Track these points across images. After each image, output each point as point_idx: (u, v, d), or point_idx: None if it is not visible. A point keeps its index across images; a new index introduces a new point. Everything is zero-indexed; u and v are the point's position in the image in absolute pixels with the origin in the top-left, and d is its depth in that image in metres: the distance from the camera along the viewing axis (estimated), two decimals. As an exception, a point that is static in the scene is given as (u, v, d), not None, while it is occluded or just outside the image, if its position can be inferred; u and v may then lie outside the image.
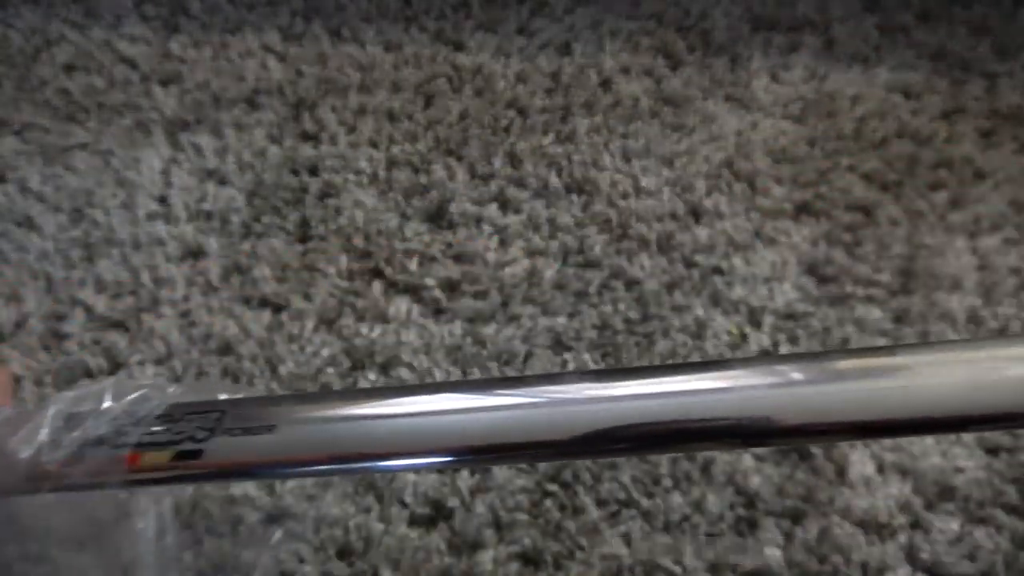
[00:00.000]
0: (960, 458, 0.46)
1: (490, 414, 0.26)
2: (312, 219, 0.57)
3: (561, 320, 0.52)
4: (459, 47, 0.70)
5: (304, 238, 0.56)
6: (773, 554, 0.43)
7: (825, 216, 0.58)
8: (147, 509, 0.28)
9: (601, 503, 0.45)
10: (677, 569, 0.42)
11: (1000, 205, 0.59)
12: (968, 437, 0.47)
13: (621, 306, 0.53)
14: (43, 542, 0.28)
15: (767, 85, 0.67)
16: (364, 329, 0.51)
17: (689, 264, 0.55)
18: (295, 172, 0.60)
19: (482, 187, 0.59)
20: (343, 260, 0.55)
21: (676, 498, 0.44)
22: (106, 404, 0.27)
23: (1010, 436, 0.47)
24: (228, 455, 0.26)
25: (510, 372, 0.50)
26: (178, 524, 0.29)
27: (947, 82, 0.68)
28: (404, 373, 0.50)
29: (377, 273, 0.55)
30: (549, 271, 0.54)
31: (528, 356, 0.51)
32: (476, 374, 0.50)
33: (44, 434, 0.26)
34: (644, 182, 0.60)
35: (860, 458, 0.46)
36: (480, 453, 0.25)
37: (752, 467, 0.46)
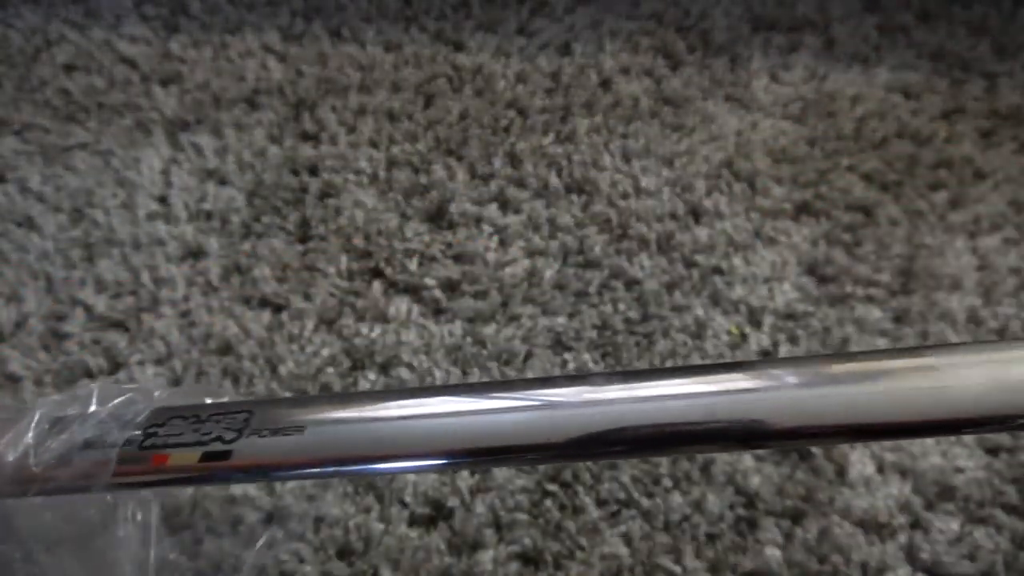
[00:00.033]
0: (960, 458, 0.46)
1: (511, 415, 0.26)
2: (312, 219, 0.57)
3: (561, 320, 0.52)
4: (459, 47, 0.70)
5: (304, 238, 0.56)
6: (773, 554, 0.43)
7: (825, 216, 0.58)
8: (133, 515, 0.28)
9: (601, 503, 0.45)
10: (677, 569, 0.42)
11: (1000, 205, 0.59)
12: (968, 437, 0.47)
13: (621, 306, 0.53)
14: (29, 544, 0.28)
15: (767, 85, 0.67)
16: (364, 329, 0.51)
17: (689, 264, 0.55)
18: (295, 172, 0.60)
19: (482, 187, 0.59)
20: (343, 260, 0.55)
21: (676, 498, 0.44)
22: (92, 408, 0.27)
23: (1010, 436, 0.47)
24: (257, 456, 0.26)
25: (510, 372, 0.50)
26: (165, 530, 0.29)
27: (947, 82, 0.68)
28: (404, 373, 0.50)
29: (377, 273, 0.55)
30: (549, 271, 0.54)
31: (528, 356, 0.51)
32: (476, 374, 0.50)
33: (30, 437, 0.26)
34: (644, 182, 0.60)
35: (860, 458, 0.46)
36: (504, 454, 0.26)
37: (752, 467, 0.46)
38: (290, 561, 0.42)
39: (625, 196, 0.59)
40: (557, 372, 0.51)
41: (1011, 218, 0.58)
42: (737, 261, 0.55)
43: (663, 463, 0.46)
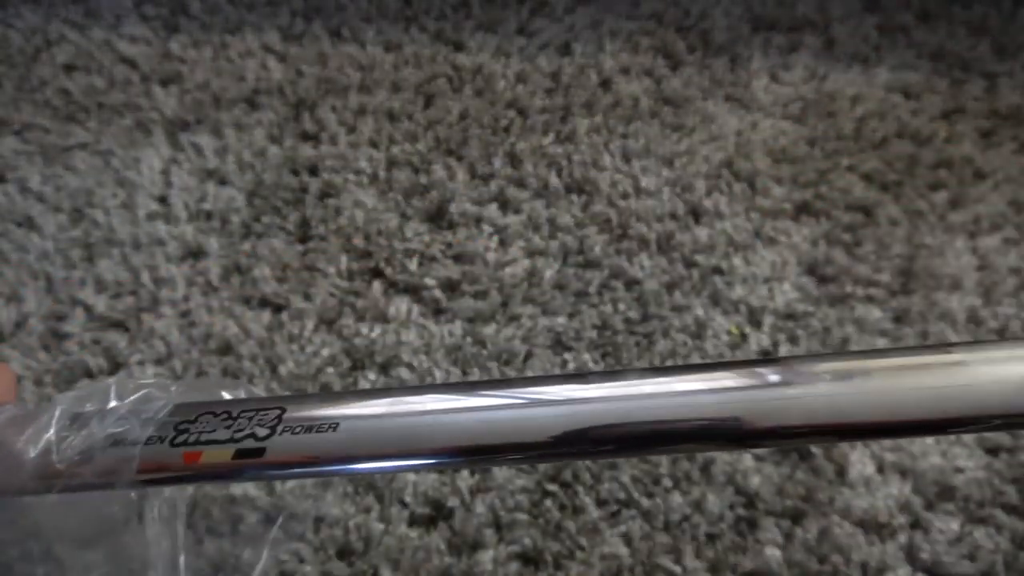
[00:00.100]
0: (960, 458, 0.46)
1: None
2: (312, 219, 0.57)
3: (561, 320, 0.52)
4: (459, 47, 0.70)
5: (304, 238, 0.56)
6: (773, 554, 0.43)
7: (825, 216, 0.58)
8: (160, 512, 0.28)
9: (601, 503, 0.45)
10: (677, 569, 0.42)
11: (1000, 205, 0.59)
12: (968, 437, 0.47)
13: (621, 306, 0.53)
14: (51, 541, 0.28)
15: (767, 85, 0.67)
16: (364, 329, 0.51)
17: (689, 264, 0.55)
18: (295, 172, 0.60)
19: (482, 187, 0.59)
20: (343, 260, 0.55)
21: (676, 498, 0.44)
22: (111, 403, 0.27)
23: (1010, 436, 0.47)
24: (292, 453, 0.26)
25: (510, 372, 0.50)
26: (188, 527, 0.29)
27: (947, 82, 0.68)
28: (404, 373, 0.50)
29: (377, 273, 0.55)
30: (549, 271, 0.54)
31: (528, 356, 0.51)
32: (476, 374, 0.50)
33: (51, 434, 0.26)
34: (644, 182, 0.60)
35: (860, 458, 0.46)
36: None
37: (752, 467, 0.46)
38: (290, 561, 0.42)
39: (625, 196, 0.59)
40: (557, 372, 0.51)
41: (1011, 218, 0.58)
42: (737, 261, 0.55)
43: (663, 463, 0.46)
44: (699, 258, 0.55)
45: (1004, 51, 0.70)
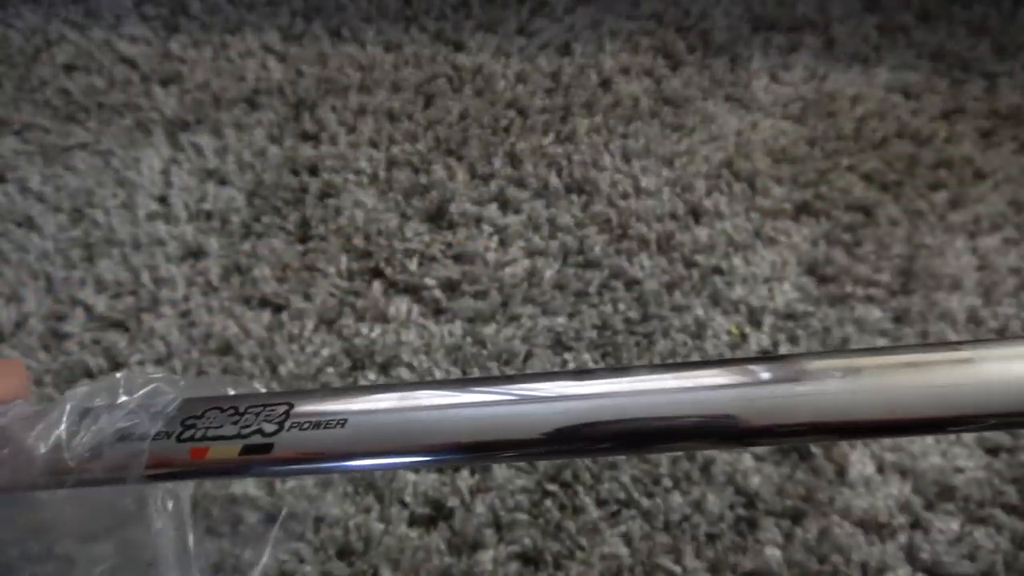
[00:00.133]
0: (960, 458, 0.46)
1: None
2: (312, 219, 0.57)
3: (561, 320, 0.52)
4: (459, 47, 0.70)
5: (304, 238, 0.56)
6: (773, 554, 0.43)
7: (825, 216, 0.58)
8: (163, 504, 0.28)
9: (601, 503, 0.45)
10: (677, 569, 0.42)
11: (1000, 205, 0.59)
12: (968, 437, 0.47)
13: (621, 306, 0.53)
14: (60, 536, 0.28)
15: (767, 85, 0.67)
16: (364, 329, 0.51)
17: (689, 264, 0.55)
18: (295, 172, 0.60)
19: (482, 187, 0.59)
20: (343, 260, 0.55)
21: (676, 498, 0.44)
22: (121, 398, 0.27)
23: (1010, 436, 0.47)
24: (299, 449, 0.26)
25: (510, 372, 0.50)
26: (193, 520, 0.29)
27: (947, 82, 0.68)
28: (404, 373, 0.50)
29: (377, 273, 0.55)
30: (549, 271, 0.54)
31: (528, 356, 0.51)
32: (476, 374, 0.50)
33: (62, 430, 0.26)
34: (644, 182, 0.60)
35: (860, 458, 0.46)
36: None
37: (752, 467, 0.46)
38: (290, 561, 0.42)
39: (625, 196, 0.59)
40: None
41: (1011, 218, 0.58)
42: (737, 261, 0.55)
43: (663, 463, 0.46)
44: (699, 258, 0.55)
45: (1004, 51, 0.70)
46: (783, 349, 0.51)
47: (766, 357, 0.26)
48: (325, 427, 0.26)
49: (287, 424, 0.26)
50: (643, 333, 0.52)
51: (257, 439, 0.26)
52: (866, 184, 0.60)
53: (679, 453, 0.46)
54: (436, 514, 0.44)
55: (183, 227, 0.57)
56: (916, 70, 0.69)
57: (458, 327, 0.52)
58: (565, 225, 0.57)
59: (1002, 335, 0.52)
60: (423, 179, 0.60)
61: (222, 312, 0.52)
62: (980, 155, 0.62)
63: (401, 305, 0.53)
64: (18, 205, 0.58)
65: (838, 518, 0.44)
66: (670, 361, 0.51)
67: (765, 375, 0.25)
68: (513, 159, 0.61)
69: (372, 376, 0.49)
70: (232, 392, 0.29)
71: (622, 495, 0.45)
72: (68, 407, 0.26)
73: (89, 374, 0.50)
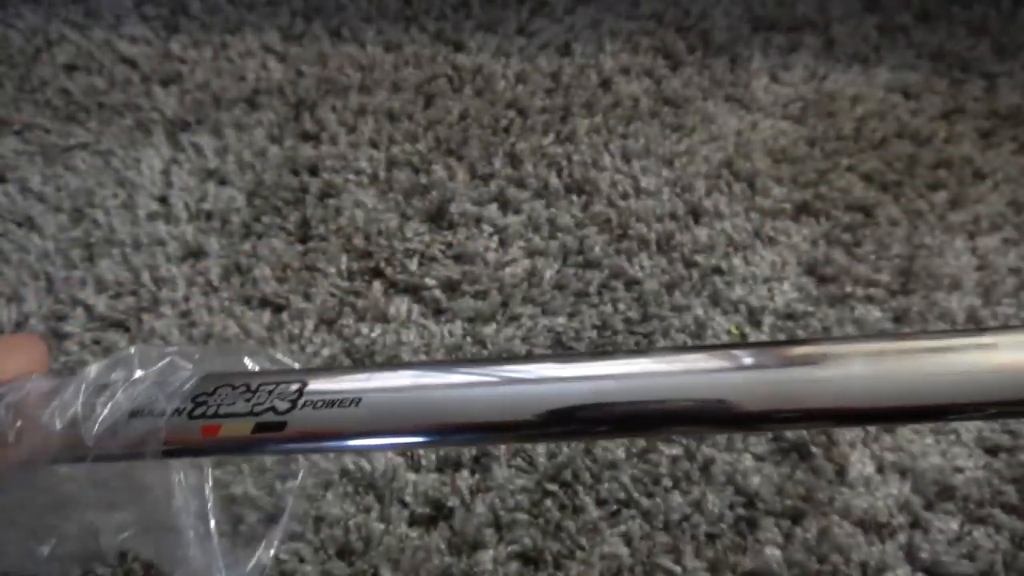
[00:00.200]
0: (959, 458, 0.46)
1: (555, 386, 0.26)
2: (312, 219, 0.57)
3: (561, 320, 0.52)
4: (459, 47, 0.70)
5: (304, 238, 0.57)
6: (773, 554, 0.43)
7: (825, 216, 0.58)
8: (184, 476, 0.28)
9: (601, 503, 0.45)
10: (677, 569, 0.42)
11: (999, 205, 0.59)
12: (968, 436, 0.47)
13: (621, 306, 0.53)
14: (83, 508, 0.28)
15: (767, 85, 0.67)
16: (364, 329, 0.51)
17: (689, 264, 0.55)
18: (295, 172, 0.60)
19: (482, 187, 0.59)
20: (343, 260, 0.55)
21: (676, 498, 0.44)
22: (136, 373, 0.27)
23: (1009, 436, 0.47)
24: (312, 427, 0.26)
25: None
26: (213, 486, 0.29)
27: (947, 82, 0.68)
28: (404, 373, 0.50)
29: (377, 273, 0.55)
30: (549, 271, 0.54)
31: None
32: (476, 374, 0.50)
33: (78, 406, 0.26)
34: (644, 182, 0.60)
35: (860, 458, 0.46)
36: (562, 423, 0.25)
37: (752, 467, 0.46)
38: (290, 561, 0.42)
39: (625, 196, 0.59)
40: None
41: (1011, 218, 0.58)
42: (737, 261, 0.55)
43: (663, 463, 0.46)
44: (699, 258, 0.55)
45: (1004, 51, 0.70)
46: (783, 349, 0.51)
47: (766, 343, 0.26)
48: (339, 406, 0.25)
49: (300, 402, 0.26)
50: (643, 333, 0.52)
51: (270, 417, 0.26)
52: (866, 184, 0.60)
53: (679, 453, 0.46)
54: (436, 514, 0.44)
55: (183, 227, 0.57)
56: (916, 70, 0.69)
57: (458, 327, 0.52)
58: (565, 225, 0.57)
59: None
60: (423, 179, 0.60)
61: (222, 312, 0.52)
62: (980, 155, 0.62)
63: (401, 305, 0.53)
64: (18, 205, 0.58)
65: (838, 518, 0.44)
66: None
67: (763, 360, 0.25)
68: (513, 159, 0.61)
69: (372, 376, 0.49)
70: (248, 361, 0.29)
71: (622, 495, 0.45)
72: (84, 383, 0.26)
73: (89, 374, 0.50)
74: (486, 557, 0.43)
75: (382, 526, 0.43)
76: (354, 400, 0.26)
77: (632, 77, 0.68)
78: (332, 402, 0.26)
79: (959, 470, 0.46)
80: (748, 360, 0.25)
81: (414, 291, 0.54)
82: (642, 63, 0.69)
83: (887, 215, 0.58)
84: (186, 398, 0.26)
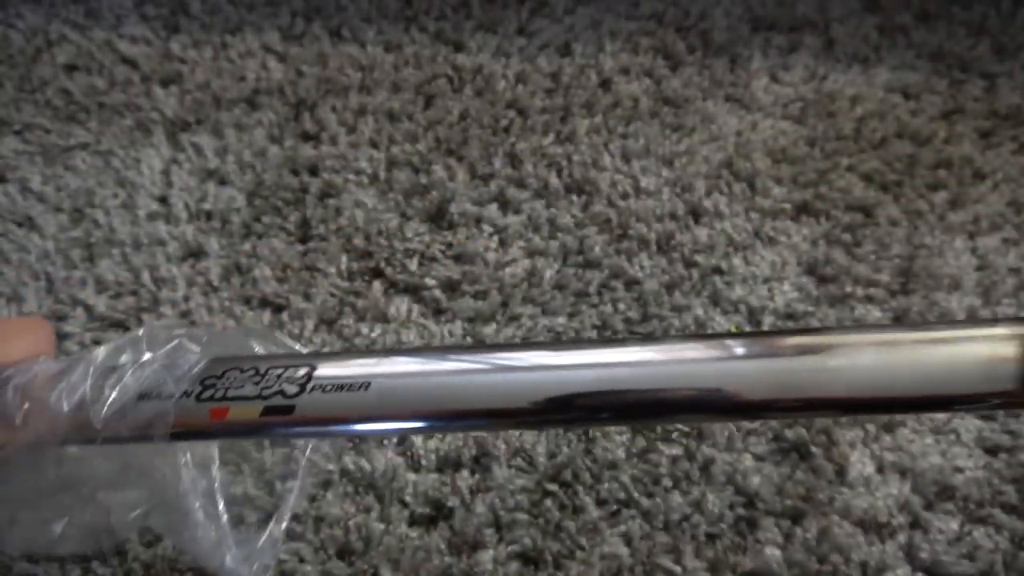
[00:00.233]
0: (959, 458, 0.46)
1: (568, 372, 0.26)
2: (312, 219, 0.57)
3: (561, 320, 0.52)
4: (459, 47, 0.70)
5: (304, 238, 0.57)
6: (773, 554, 0.43)
7: (825, 216, 0.58)
8: (193, 451, 0.28)
9: (601, 503, 0.45)
10: (677, 569, 0.42)
11: (999, 205, 0.59)
12: (968, 436, 0.47)
13: (621, 306, 0.53)
14: (93, 488, 0.28)
15: (767, 85, 0.67)
16: (364, 329, 0.51)
17: (689, 264, 0.55)
18: (295, 172, 0.60)
19: (482, 187, 0.59)
20: (343, 260, 0.55)
21: (676, 498, 0.44)
22: (145, 355, 0.27)
23: (1009, 436, 0.47)
24: (321, 411, 0.26)
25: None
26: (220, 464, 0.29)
27: (946, 82, 0.68)
28: (404, 373, 0.50)
29: (377, 273, 0.55)
30: (549, 271, 0.55)
31: (528, 356, 0.51)
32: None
33: (87, 388, 0.26)
34: (644, 182, 0.60)
35: (860, 458, 0.46)
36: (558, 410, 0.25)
37: (752, 467, 0.46)
38: (290, 561, 0.42)
39: (625, 196, 0.59)
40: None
41: (1011, 218, 0.58)
42: (737, 261, 0.55)
43: (663, 463, 0.46)
44: (699, 258, 0.55)
45: (1004, 51, 0.70)
46: (783, 349, 0.51)
47: (766, 332, 0.26)
48: (348, 390, 0.25)
49: (309, 386, 0.26)
50: (643, 333, 0.52)
51: (278, 400, 0.26)
52: (866, 184, 0.60)
53: (679, 453, 0.46)
54: (436, 514, 0.44)
55: (183, 227, 0.57)
56: (916, 70, 0.69)
57: (458, 327, 0.52)
58: (565, 225, 0.57)
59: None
60: (423, 179, 0.60)
61: (222, 312, 0.52)
62: (980, 155, 0.62)
63: (401, 305, 0.53)
64: (19, 205, 0.58)
65: (838, 518, 0.44)
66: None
67: (761, 349, 0.25)
68: (513, 159, 0.61)
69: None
70: (255, 345, 0.29)
71: (622, 495, 0.45)
72: (92, 365, 0.26)
73: (89, 374, 0.50)
74: (486, 557, 0.43)
75: (382, 526, 0.43)
76: (363, 384, 0.26)
77: (632, 77, 0.68)
78: (341, 386, 0.26)
79: (959, 470, 0.46)
80: (746, 349, 0.25)
81: (414, 291, 0.54)
82: (642, 63, 0.69)
83: (887, 215, 0.58)
84: (194, 381, 0.26)
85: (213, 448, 0.29)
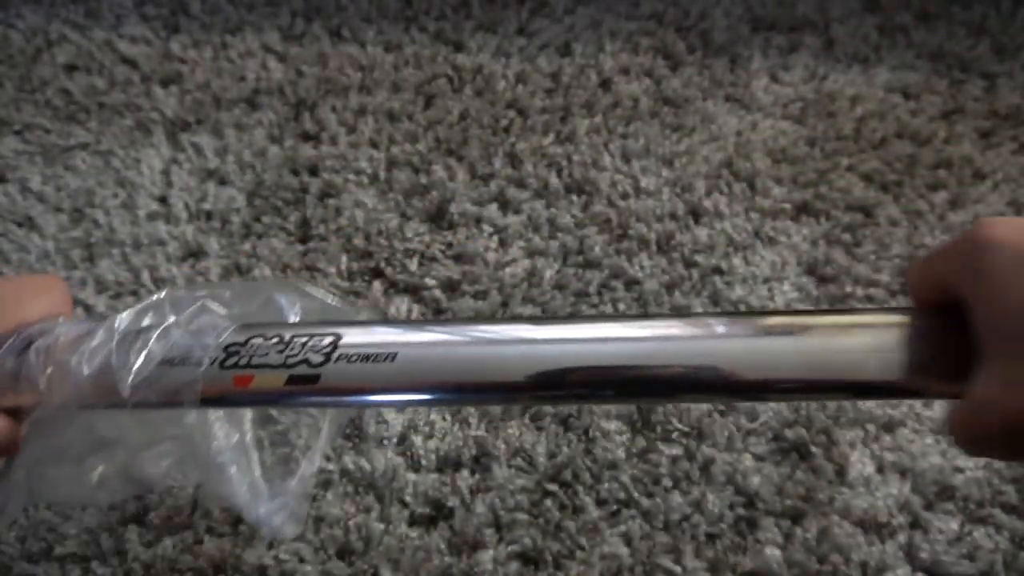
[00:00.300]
0: (959, 458, 0.46)
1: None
2: (312, 219, 0.57)
3: (561, 320, 0.52)
4: (459, 47, 0.70)
5: (304, 238, 0.57)
6: (773, 554, 0.43)
7: (825, 216, 0.58)
8: (224, 412, 0.28)
9: (601, 503, 0.45)
10: (677, 569, 0.42)
11: (999, 205, 0.59)
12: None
13: (621, 306, 0.53)
14: (122, 448, 0.28)
15: (767, 85, 0.67)
16: (364, 329, 0.51)
17: (689, 264, 0.55)
18: (295, 172, 0.60)
19: (482, 187, 0.59)
20: (343, 260, 0.55)
21: (676, 498, 0.44)
22: (169, 319, 0.27)
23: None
24: (346, 382, 0.25)
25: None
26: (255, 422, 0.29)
27: (946, 82, 0.68)
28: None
29: (377, 273, 0.55)
30: (549, 271, 0.54)
31: (528, 356, 0.51)
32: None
33: (112, 352, 0.26)
34: (644, 182, 0.60)
35: (860, 458, 0.46)
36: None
37: (752, 467, 0.46)
38: (290, 561, 0.42)
39: (625, 196, 0.59)
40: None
41: (1011, 218, 0.58)
42: (737, 261, 0.55)
43: (663, 463, 0.46)
44: (699, 258, 0.55)
45: (1004, 51, 0.70)
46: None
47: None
48: (374, 360, 0.25)
49: (335, 355, 0.25)
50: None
51: (303, 370, 0.25)
52: (866, 184, 0.60)
53: (679, 453, 0.46)
54: (436, 514, 0.44)
55: (183, 227, 0.57)
56: (916, 70, 0.69)
57: (458, 327, 0.52)
58: (565, 225, 0.57)
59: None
60: (423, 179, 0.60)
61: (222, 312, 0.52)
62: (980, 155, 0.62)
63: (401, 305, 0.53)
64: (19, 205, 0.58)
65: (838, 518, 0.44)
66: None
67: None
68: (513, 159, 0.61)
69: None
70: (280, 298, 0.28)
71: (622, 495, 0.45)
72: (115, 329, 0.26)
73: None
74: (486, 557, 0.43)
75: (382, 526, 0.43)
76: (390, 355, 0.25)
77: (632, 77, 0.68)
78: (367, 356, 0.25)
79: (959, 470, 0.46)
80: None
81: (414, 291, 0.54)
82: (642, 63, 0.69)
83: (887, 215, 0.58)
84: (219, 347, 0.26)
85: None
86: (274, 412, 0.40)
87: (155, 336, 0.26)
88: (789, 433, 0.47)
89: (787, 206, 0.59)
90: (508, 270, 0.54)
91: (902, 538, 0.44)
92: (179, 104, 0.65)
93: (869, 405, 0.48)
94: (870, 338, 0.24)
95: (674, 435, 0.47)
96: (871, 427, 0.47)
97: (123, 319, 0.27)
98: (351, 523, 0.43)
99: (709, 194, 0.59)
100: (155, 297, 0.27)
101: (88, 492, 0.28)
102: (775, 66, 0.69)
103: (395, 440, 0.46)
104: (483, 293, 0.53)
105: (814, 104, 0.66)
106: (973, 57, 0.70)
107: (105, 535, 0.43)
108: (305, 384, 0.25)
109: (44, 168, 0.61)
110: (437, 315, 0.53)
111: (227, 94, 0.65)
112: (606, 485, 0.45)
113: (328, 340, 0.26)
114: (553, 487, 0.45)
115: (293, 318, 0.29)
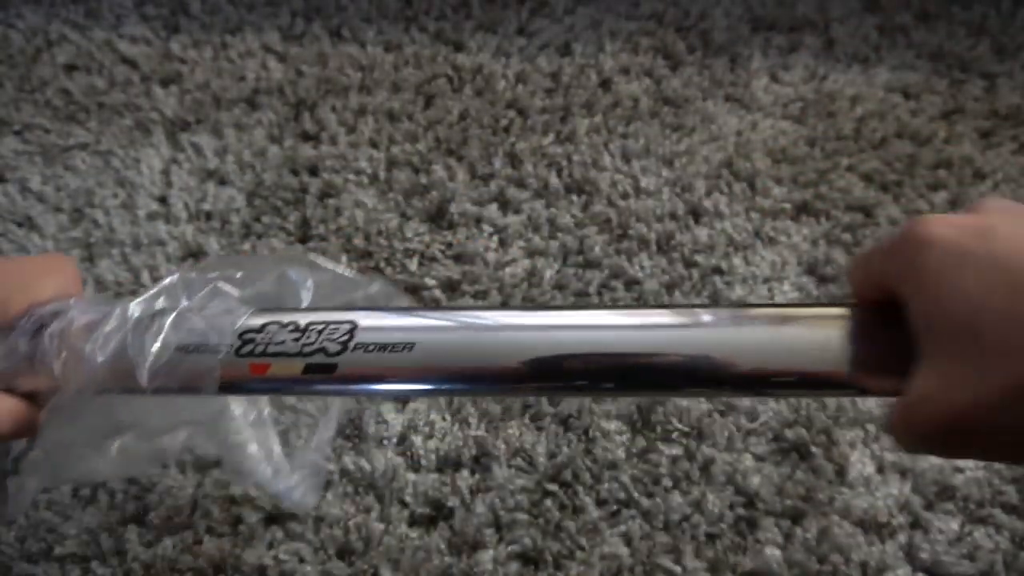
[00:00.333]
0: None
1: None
2: (312, 219, 0.57)
3: (561, 320, 0.52)
4: (459, 47, 0.70)
5: (304, 238, 0.57)
6: (773, 554, 0.43)
7: (825, 216, 0.58)
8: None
9: (601, 503, 0.45)
10: (677, 569, 0.42)
11: (1000, 205, 0.59)
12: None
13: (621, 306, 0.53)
14: (141, 430, 0.28)
15: (767, 85, 0.67)
16: (364, 329, 0.51)
17: (689, 264, 0.55)
18: (295, 172, 0.60)
19: (482, 187, 0.59)
20: (343, 260, 0.55)
21: (676, 498, 0.44)
22: (182, 303, 0.27)
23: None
24: (363, 371, 0.25)
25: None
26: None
27: (946, 82, 0.68)
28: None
29: (377, 273, 0.55)
30: (549, 271, 0.54)
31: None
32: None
33: (127, 337, 0.25)
34: (644, 182, 0.60)
35: (860, 458, 0.46)
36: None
37: (752, 467, 0.46)
38: (290, 561, 0.42)
39: (625, 196, 0.59)
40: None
41: (1011, 218, 0.58)
42: (737, 261, 0.55)
43: (663, 463, 0.46)
44: (699, 258, 0.55)
45: (1004, 51, 0.70)
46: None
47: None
48: (391, 350, 0.25)
49: (352, 344, 0.25)
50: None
51: (320, 359, 0.25)
52: (866, 184, 0.60)
53: (679, 453, 0.46)
54: (436, 514, 0.44)
55: (183, 227, 0.57)
56: (916, 70, 0.69)
57: (458, 327, 0.52)
58: (565, 225, 0.57)
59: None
60: (423, 179, 0.60)
61: (222, 312, 0.52)
62: (980, 155, 0.62)
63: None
64: (18, 205, 0.58)
65: (838, 518, 0.44)
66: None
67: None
68: (513, 159, 0.61)
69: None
70: (292, 273, 0.28)
71: (622, 495, 0.45)
72: (128, 312, 0.26)
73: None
74: (486, 557, 0.43)
75: (382, 526, 0.43)
76: (407, 345, 0.25)
77: (632, 77, 0.68)
78: (384, 346, 0.25)
79: (959, 470, 0.46)
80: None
81: (414, 291, 0.54)
82: (642, 63, 0.69)
83: (887, 215, 0.58)
84: (234, 334, 0.26)
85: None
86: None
87: (170, 321, 0.26)
88: (789, 433, 0.47)
89: (787, 206, 0.59)
90: (508, 270, 0.54)
91: (902, 538, 0.44)
92: (179, 104, 0.65)
93: (869, 405, 0.48)
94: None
95: (674, 435, 0.47)
96: (871, 427, 0.47)
97: (136, 303, 0.27)
98: (351, 523, 0.43)
99: (709, 194, 0.59)
100: (167, 280, 0.27)
101: (110, 467, 0.28)
102: (775, 66, 0.69)
103: (395, 440, 0.46)
104: (483, 293, 0.53)
105: (814, 104, 0.66)
106: (973, 57, 0.70)
107: (105, 535, 0.43)
108: (322, 373, 0.25)
109: (44, 168, 0.61)
110: (437, 315, 0.53)
111: (227, 94, 0.65)
112: (606, 485, 0.45)
113: (345, 328, 0.26)
114: (553, 487, 0.45)
115: (306, 293, 0.29)
